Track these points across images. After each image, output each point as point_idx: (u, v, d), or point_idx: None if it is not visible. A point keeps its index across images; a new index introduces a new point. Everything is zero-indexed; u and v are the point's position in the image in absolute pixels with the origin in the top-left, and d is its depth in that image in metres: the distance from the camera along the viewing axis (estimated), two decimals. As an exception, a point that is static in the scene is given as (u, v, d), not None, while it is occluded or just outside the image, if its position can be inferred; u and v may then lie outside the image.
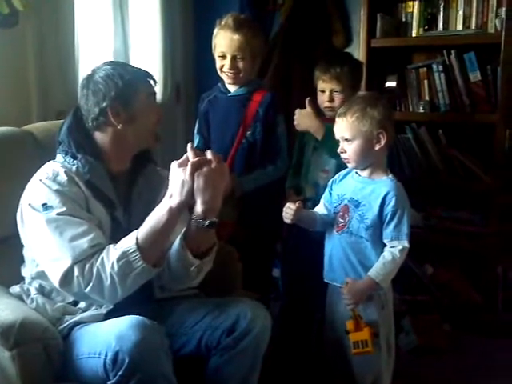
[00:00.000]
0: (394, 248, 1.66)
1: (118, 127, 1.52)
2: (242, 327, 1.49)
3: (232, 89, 2.14)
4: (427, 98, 2.59)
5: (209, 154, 1.41)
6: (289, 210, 1.71)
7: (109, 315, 1.44)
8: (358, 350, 1.66)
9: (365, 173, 1.74)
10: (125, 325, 1.31)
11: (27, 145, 1.72)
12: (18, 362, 1.28)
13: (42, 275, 1.49)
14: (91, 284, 1.37)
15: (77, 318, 1.46)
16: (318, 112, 2.08)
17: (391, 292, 1.80)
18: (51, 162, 1.54)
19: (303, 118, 2.08)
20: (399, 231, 1.66)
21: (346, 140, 1.69)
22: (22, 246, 1.55)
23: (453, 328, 2.50)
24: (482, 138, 2.53)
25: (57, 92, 2.07)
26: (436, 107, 2.57)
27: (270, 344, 1.55)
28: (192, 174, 1.38)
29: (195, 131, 2.25)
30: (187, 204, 1.41)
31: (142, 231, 1.39)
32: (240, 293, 1.83)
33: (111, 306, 1.47)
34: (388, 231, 1.67)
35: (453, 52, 2.50)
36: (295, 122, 2.11)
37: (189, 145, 1.44)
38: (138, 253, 1.37)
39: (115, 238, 1.44)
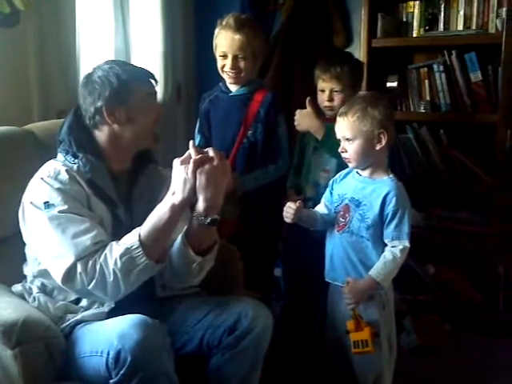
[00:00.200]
0: (395, 248, 1.66)
1: (115, 127, 1.53)
2: (244, 326, 1.49)
3: (233, 88, 2.15)
4: (428, 97, 2.59)
5: (211, 152, 1.42)
6: (289, 210, 1.71)
7: (111, 314, 1.45)
8: (359, 349, 1.66)
9: (365, 172, 1.74)
10: (127, 323, 1.32)
11: (28, 144, 1.72)
12: (20, 361, 1.29)
13: (43, 273, 1.49)
14: (94, 280, 1.37)
15: (79, 316, 1.46)
16: (319, 112, 2.08)
17: (392, 292, 1.80)
18: (52, 160, 1.54)
19: (303, 118, 2.08)
20: (400, 231, 1.66)
21: (347, 139, 1.69)
22: (23, 244, 1.55)
23: (454, 328, 2.50)
24: (482, 138, 2.53)
25: (58, 91, 2.07)
26: (437, 107, 2.58)
27: (272, 343, 1.55)
28: (194, 172, 1.38)
29: (196, 131, 2.25)
30: (189, 201, 1.42)
31: (145, 228, 1.40)
32: (241, 292, 1.83)
33: (113, 305, 1.47)
34: (389, 231, 1.67)
35: (454, 52, 2.50)
36: (296, 123, 2.11)
37: (191, 142, 1.44)
38: (140, 249, 1.37)
39: (117, 236, 1.44)
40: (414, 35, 2.62)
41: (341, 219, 1.74)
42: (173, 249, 1.51)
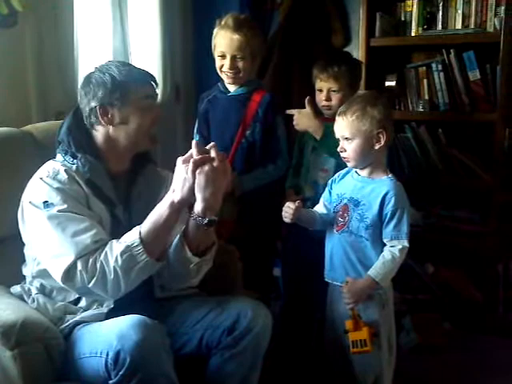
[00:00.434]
0: (394, 247, 1.66)
1: (109, 128, 1.54)
2: (243, 326, 1.49)
3: (232, 88, 2.15)
4: (427, 97, 2.59)
5: (213, 152, 1.42)
6: (288, 210, 1.71)
7: (110, 314, 1.45)
8: (357, 349, 1.66)
9: (364, 172, 1.74)
10: (126, 324, 1.32)
11: (27, 145, 1.72)
12: (19, 362, 1.28)
13: (42, 274, 1.49)
14: (95, 278, 1.37)
15: (78, 317, 1.46)
16: (318, 112, 2.08)
17: (392, 291, 1.80)
18: (51, 161, 1.55)
19: (302, 118, 2.08)
20: (399, 231, 1.66)
21: (346, 139, 1.69)
22: (22, 245, 1.55)
23: (453, 326, 2.51)
24: (481, 136, 2.53)
25: (56, 92, 2.07)
26: (435, 106, 2.58)
27: (271, 343, 1.55)
28: (193, 172, 1.39)
29: (195, 131, 2.26)
30: (188, 200, 1.42)
31: (145, 225, 1.41)
32: (241, 292, 1.83)
33: (112, 305, 1.47)
34: (388, 231, 1.67)
35: (452, 51, 2.51)
36: (294, 122, 2.11)
37: (194, 141, 1.45)
38: (141, 247, 1.38)
39: (116, 236, 1.45)
40: (413, 34, 2.62)
41: (340, 219, 1.74)
42: (170, 249, 1.51)
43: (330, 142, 1.87)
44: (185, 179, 1.39)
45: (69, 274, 1.38)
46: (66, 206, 1.42)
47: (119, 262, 1.37)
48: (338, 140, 1.73)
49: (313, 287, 1.93)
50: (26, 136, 1.74)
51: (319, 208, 1.81)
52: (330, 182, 1.83)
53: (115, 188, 1.55)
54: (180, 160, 1.42)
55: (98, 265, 1.37)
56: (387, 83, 2.67)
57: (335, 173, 1.85)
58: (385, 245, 1.68)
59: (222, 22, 2.06)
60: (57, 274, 1.40)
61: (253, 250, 2.06)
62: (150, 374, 1.28)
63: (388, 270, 1.66)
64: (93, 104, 1.52)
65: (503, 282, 2.51)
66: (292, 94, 2.67)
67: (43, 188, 1.45)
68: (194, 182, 1.39)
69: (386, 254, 1.66)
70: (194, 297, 1.65)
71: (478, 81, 2.47)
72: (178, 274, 1.53)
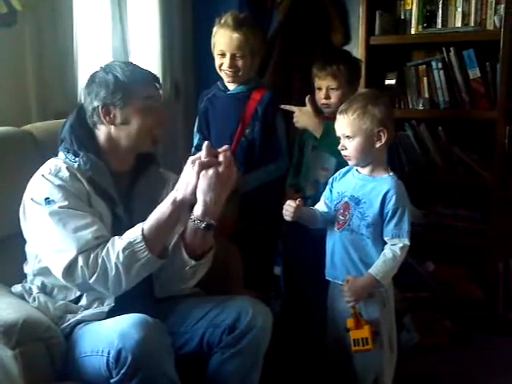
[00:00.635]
0: (395, 246, 1.66)
1: (111, 127, 1.54)
2: (243, 325, 1.49)
3: (231, 87, 2.15)
4: (426, 95, 2.58)
5: (221, 157, 1.42)
6: (289, 208, 1.71)
7: (111, 314, 1.44)
8: (358, 347, 1.66)
9: (365, 170, 1.74)
10: (127, 323, 1.32)
11: (26, 145, 1.72)
12: (20, 361, 1.29)
13: (44, 271, 1.49)
14: (96, 274, 1.37)
15: (79, 316, 1.46)
16: (318, 110, 2.08)
17: (392, 289, 1.80)
18: (53, 158, 1.55)
19: (302, 116, 2.08)
20: (400, 229, 1.66)
21: (347, 137, 1.69)
22: (22, 245, 1.55)
23: (454, 325, 2.50)
24: (481, 134, 2.53)
25: (56, 92, 2.07)
26: (435, 104, 2.57)
27: (272, 342, 1.55)
28: (198, 173, 1.40)
29: (195, 129, 2.26)
30: (190, 200, 1.43)
31: (148, 223, 1.42)
32: (241, 291, 1.83)
33: (113, 304, 1.47)
34: (389, 229, 1.67)
35: (452, 49, 2.50)
36: (294, 120, 2.11)
37: (205, 143, 1.45)
38: (143, 243, 1.38)
39: (116, 234, 1.44)
40: (412, 32, 2.62)
41: (340, 217, 1.74)
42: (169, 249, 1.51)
43: (330, 140, 1.87)
44: (189, 179, 1.41)
45: (70, 269, 1.38)
46: (67, 202, 1.43)
47: (121, 258, 1.37)
48: (338, 138, 1.73)
49: (313, 286, 1.93)
50: (26, 135, 1.74)
51: (320, 206, 1.81)
52: (330, 180, 1.83)
53: (117, 187, 1.55)
54: (190, 159, 1.43)
55: (100, 260, 1.38)
56: (387, 81, 2.66)
57: (336, 171, 1.85)
58: (385, 243, 1.68)
59: (222, 21, 2.06)
60: (58, 270, 1.40)
61: (253, 248, 2.05)
62: (151, 372, 1.28)
63: (389, 268, 1.66)
64: (95, 103, 1.52)
65: (504, 280, 2.51)
66: (292, 93, 2.67)
67: (45, 185, 1.46)
68: (196, 184, 1.39)
69: (387, 252, 1.66)
70: (195, 296, 1.65)
71: (478, 79, 2.46)
72: (174, 275, 1.54)
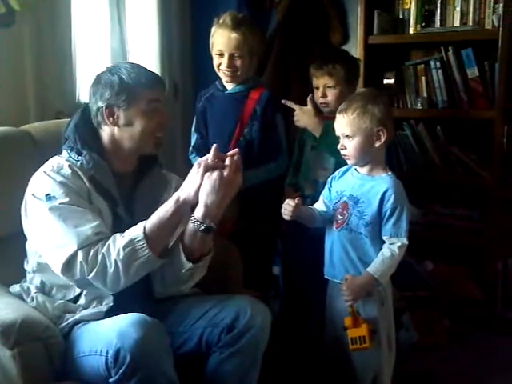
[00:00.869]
0: (393, 245, 1.67)
1: (114, 128, 1.55)
2: (242, 324, 1.49)
3: (229, 86, 2.15)
4: (425, 94, 2.58)
5: (227, 161, 1.43)
6: (288, 207, 1.71)
7: (109, 313, 1.44)
8: (356, 346, 1.66)
9: (364, 170, 1.74)
10: (126, 322, 1.32)
11: (25, 145, 1.72)
12: (18, 361, 1.29)
13: (43, 268, 1.50)
14: (95, 270, 1.38)
15: (77, 316, 1.46)
16: (319, 110, 2.09)
17: (391, 288, 1.80)
18: (56, 156, 1.56)
19: (303, 115, 2.09)
20: (398, 228, 1.67)
21: (347, 136, 1.69)
22: (22, 244, 1.55)
23: (452, 324, 2.50)
24: (479, 134, 2.53)
25: (54, 92, 2.07)
26: (434, 104, 2.57)
27: (270, 341, 1.55)
28: (202, 175, 1.41)
29: (193, 129, 2.26)
30: (193, 201, 1.43)
31: (150, 221, 1.42)
32: (241, 291, 1.83)
33: (111, 303, 1.47)
34: (387, 228, 1.67)
35: (450, 48, 2.50)
36: (295, 118, 2.12)
37: (214, 146, 1.46)
38: (144, 241, 1.39)
39: (117, 233, 1.44)
40: (411, 32, 2.62)
41: (339, 216, 1.74)
42: None
43: (329, 140, 1.87)
44: (193, 180, 1.42)
45: (69, 264, 1.38)
46: (68, 199, 1.43)
47: (121, 255, 1.38)
48: (337, 138, 1.73)
49: (312, 285, 1.93)
50: (25, 135, 1.74)
51: (319, 205, 1.81)
52: (329, 179, 1.83)
53: (119, 187, 1.56)
54: (198, 160, 1.45)
55: (100, 257, 1.38)
56: (385, 81, 2.67)
57: (335, 171, 1.85)
58: (384, 242, 1.68)
59: (220, 21, 2.06)
60: (57, 265, 1.40)
61: (252, 248, 2.06)
62: (150, 372, 1.28)
63: (387, 266, 1.66)
64: (100, 104, 1.53)
65: (502, 279, 2.51)
66: (291, 92, 2.67)
67: (46, 181, 1.46)
68: (200, 185, 1.40)
69: (386, 251, 1.67)
70: (193, 296, 1.65)
71: (477, 78, 2.46)
72: (170, 277, 1.54)
